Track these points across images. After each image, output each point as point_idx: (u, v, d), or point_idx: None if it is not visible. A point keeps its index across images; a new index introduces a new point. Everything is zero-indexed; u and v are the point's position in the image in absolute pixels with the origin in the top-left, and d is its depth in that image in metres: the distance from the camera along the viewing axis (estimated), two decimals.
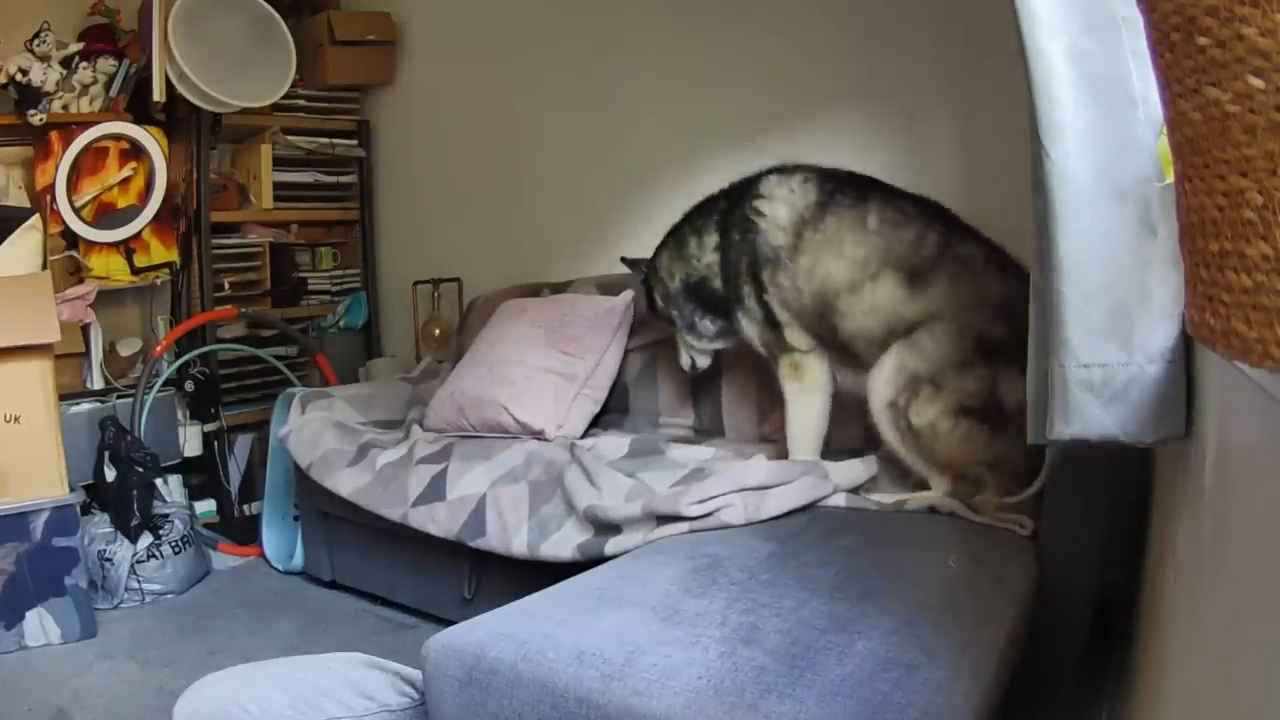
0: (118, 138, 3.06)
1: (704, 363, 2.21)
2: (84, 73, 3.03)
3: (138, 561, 2.60)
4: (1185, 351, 1.00)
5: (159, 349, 3.10)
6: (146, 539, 2.64)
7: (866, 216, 1.86)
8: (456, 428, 2.47)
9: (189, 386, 3.17)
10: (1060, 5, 1.00)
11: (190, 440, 3.19)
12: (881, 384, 1.78)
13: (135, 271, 3.17)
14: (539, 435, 2.33)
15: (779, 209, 1.96)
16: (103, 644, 2.35)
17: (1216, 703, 0.71)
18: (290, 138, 3.39)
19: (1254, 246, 0.51)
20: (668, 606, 1.23)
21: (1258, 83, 0.47)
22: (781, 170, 2.00)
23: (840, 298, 1.86)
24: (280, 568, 2.87)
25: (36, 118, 2.91)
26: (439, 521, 2.11)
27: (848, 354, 1.91)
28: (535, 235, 3.20)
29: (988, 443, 1.70)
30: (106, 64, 3.08)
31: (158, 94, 3.01)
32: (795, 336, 1.97)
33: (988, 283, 1.77)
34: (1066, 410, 1.04)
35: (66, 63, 2.98)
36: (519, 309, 2.67)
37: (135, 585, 2.59)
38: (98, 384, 3.08)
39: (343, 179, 3.61)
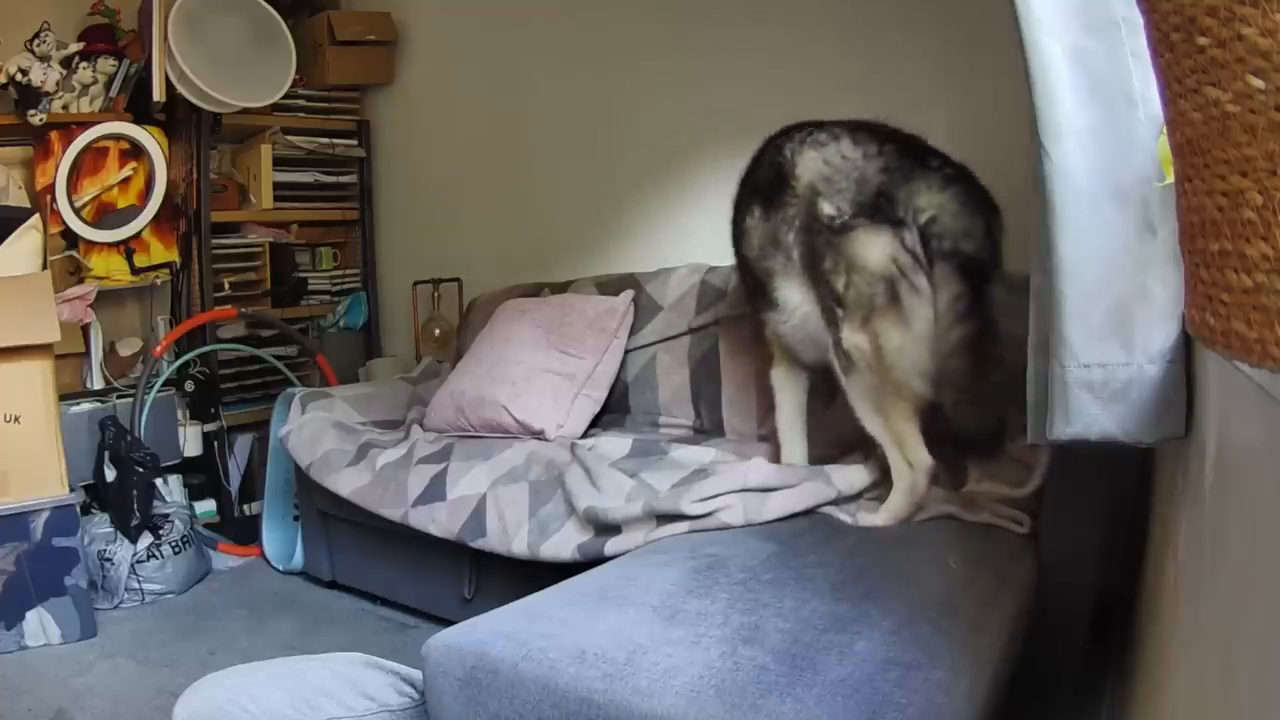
0: (118, 138, 3.07)
1: None
2: (84, 73, 3.03)
3: (138, 561, 2.60)
4: (1185, 351, 1.00)
5: (159, 349, 3.10)
6: (146, 539, 2.64)
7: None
8: (456, 428, 2.47)
9: (189, 386, 3.17)
10: (1060, 5, 1.01)
11: (190, 440, 3.19)
12: (823, 333, 1.79)
13: (135, 271, 3.17)
14: (539, 435, 2.33)
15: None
16: (103, 644, 2.35)
17: (1217, 702, 0.71)
18: (290, 138, 3.39)
19: (1254, 246, 0.51)
20: (669, 606, 1.23)
21: (1258, 83, 0.47)
22: None
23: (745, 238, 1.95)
24: (280, 568, 2.87)
25: (36, 118, 2.91)
26: (439, 521, 2.11)
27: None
28: (535, 235, 3.20)
29: (899, 347, 1.66)
30: (106, 64, 3.08)
31: (157, 94, 3.01)
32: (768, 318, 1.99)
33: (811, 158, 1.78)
34: (1066, 410, 1.04)
35: (66, 63, 2.98)
36: (519, 309, 2.67)
37: (135, 585, 2.59)
38: (98, 384, 3.09)
39: (343, 179, 3.61)
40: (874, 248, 1.66)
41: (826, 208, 1.72)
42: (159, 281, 3.26)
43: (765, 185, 1.88)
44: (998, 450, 1.67)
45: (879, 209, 1.67)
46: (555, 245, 3.11)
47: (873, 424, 1.74)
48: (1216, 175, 0.54)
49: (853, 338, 1.70)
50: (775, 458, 2.00)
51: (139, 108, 3.10)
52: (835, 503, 1.77)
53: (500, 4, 3.22)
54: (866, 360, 1.69)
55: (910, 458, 1.70)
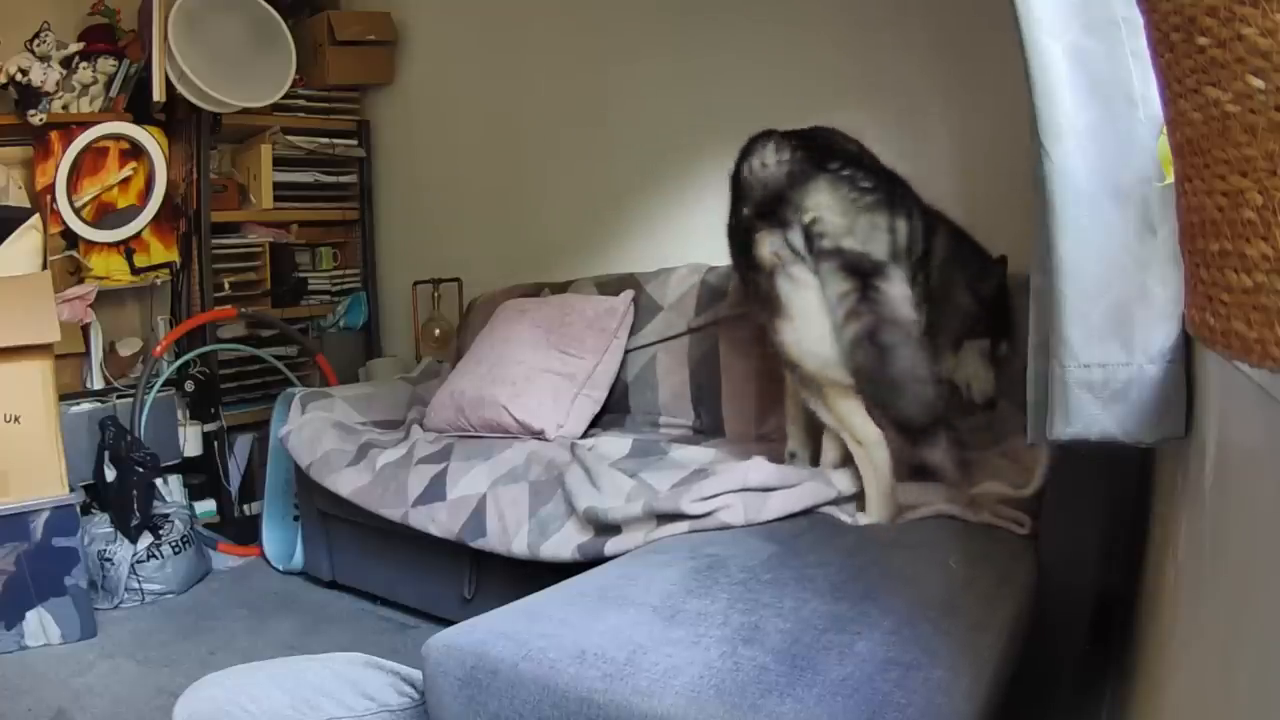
0: (118, 138, 3.07)
1: None
2: (84, 73, 3.03)
3: (138, 561, 2.60)
4: (1185, 351, 1.00)
5: (159, 349, 3.10)
6: (146, 539, 2.64)
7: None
8: (456, 428, 2.47)
9: (189, 386, 3.17)
10: (1060, 5, 1.01)
11: (190, 440, 3.19)
12: None
13: (135, 271, 3.17)
14: (539, 435, 2.33)
15: None
16: (103, 644, 2.35)
17: (1217, 702, 0.71)
18: (290, 138, 3.39)
19: (1254, 246, 0.51)
20: (669, 606, 1.23)
21: (1258, 83, 0.47)
22: None
23: None
24: (280, 568, 2.87)
25: (36, 118, 2.91)
26: (439, 521, 2.11)
27: None
28: (535, 235, 3.20)
29: (795, 339, 1.73)
30: (106, 64, 3.08)
31: (157, 94, 3.01)
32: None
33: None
34: (1066, 410, 1.04)
35: (66, 63, 2.98)
36: (519, 309, 2.67)
37: (135, 585, 2.59)
38: (98, 384, 3.09)
39: (343, 179, 3.61)
40: (764, 247, 1.75)
41: (745, 212, 1.82)
42: (159, 281, 3.26)
43: (731, 193, 1.96)
44: (936, 436, 1.67)
45: (773, 212, 1.75)
46: (555, 245, 3.10)
47: (824, 415, 1.79)
48: (1216, 175, 0.54)
49: (774, 338, 1.77)
50: (775, 457, 2.00)
51: (139, 108, 3.10)
52: (835, 503, 1.77)
53: (500, 4, 3.22)
54: (787, 356, 1.76)
55: (858, 437, 1.73)
